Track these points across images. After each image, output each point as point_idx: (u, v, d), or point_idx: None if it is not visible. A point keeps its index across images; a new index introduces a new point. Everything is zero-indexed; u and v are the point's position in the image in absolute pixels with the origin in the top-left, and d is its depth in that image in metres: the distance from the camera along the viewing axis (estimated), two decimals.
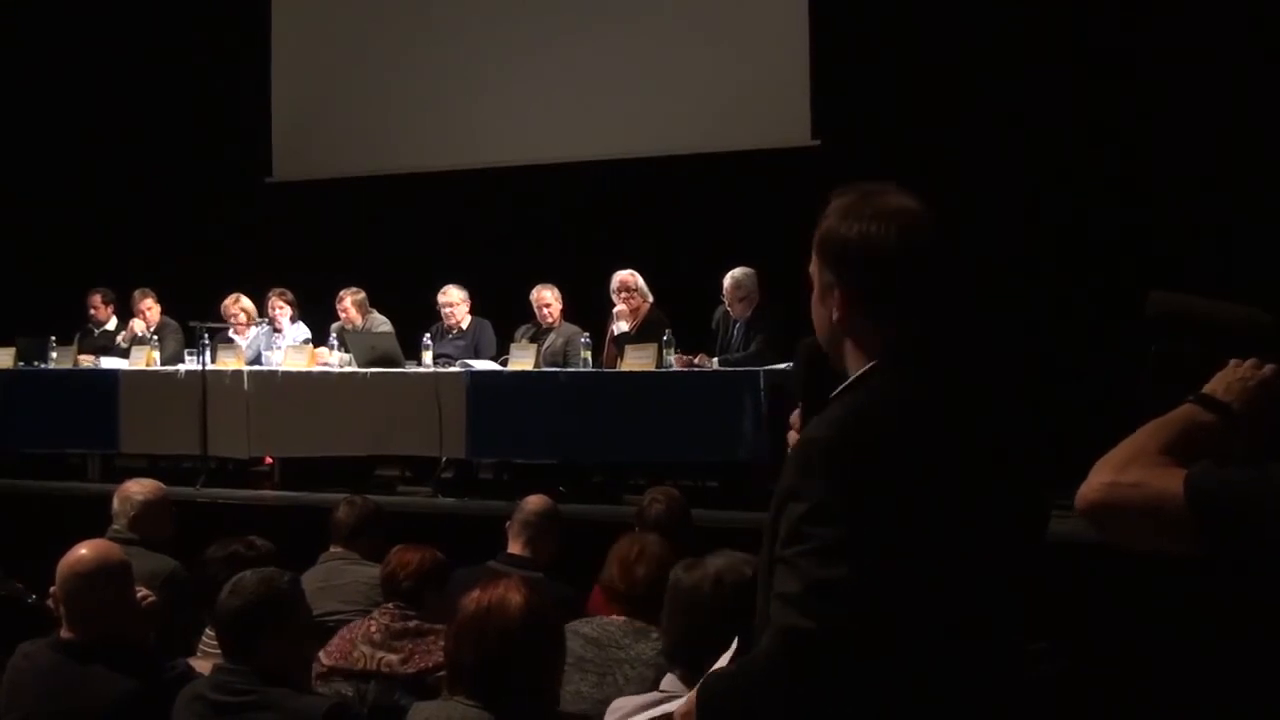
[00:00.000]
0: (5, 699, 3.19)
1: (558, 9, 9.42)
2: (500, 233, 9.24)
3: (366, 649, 3.50)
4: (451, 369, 7.42)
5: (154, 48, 10.32)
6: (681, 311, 7.53)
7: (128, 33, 10.34)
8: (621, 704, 2.53)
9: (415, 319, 8.11)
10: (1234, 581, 1.44)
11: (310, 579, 3.97)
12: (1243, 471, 1.45)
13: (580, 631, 3.28)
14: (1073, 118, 7.66)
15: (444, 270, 8.28)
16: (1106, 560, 4.37)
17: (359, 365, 7.56)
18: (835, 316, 1.81)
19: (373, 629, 3.54)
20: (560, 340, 7.62)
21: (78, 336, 8.96)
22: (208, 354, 7.75)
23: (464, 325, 8.01)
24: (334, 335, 8.08)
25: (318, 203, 9.96)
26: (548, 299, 7.78)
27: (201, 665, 3.28)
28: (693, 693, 1.87)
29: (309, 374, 7.70)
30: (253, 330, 8.54)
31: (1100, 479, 1.53)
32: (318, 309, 8.55)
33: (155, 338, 8.58)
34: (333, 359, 7.86)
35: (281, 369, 7.77)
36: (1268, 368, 1.57)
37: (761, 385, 6.44)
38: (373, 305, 8.29)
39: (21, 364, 8.43)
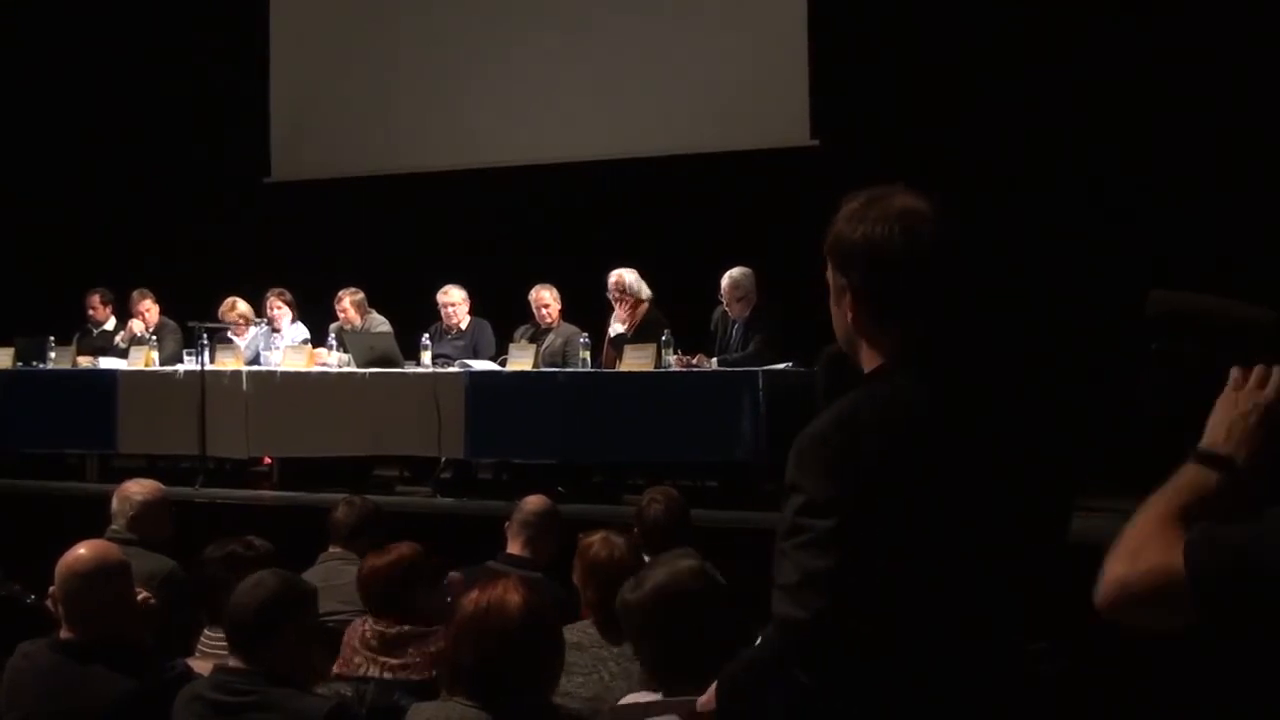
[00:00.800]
0: (5, 699, 3.19)
1: (557, 9, 9.42)
2: (499, 233, 9.23)
3: (365, 653, 3.50)
4: (450, 369, 7.42)
5: (153, 48, 10.32)
6: (680, 311, 7.52)
7: (127, 33, 10.35)
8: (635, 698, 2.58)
9: (414, 319, 8.10)
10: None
11: (309, 579, 3.94)
12: (1239, 529, 1.38)
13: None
14: (1073, 118, 7.66)
15: (443, 270, 8.27)
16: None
17: (358, 365, 7.55)
18: (849, 319, 1.84)
19: (368, 635, 3.53)
20: (559, 340, 7.62)
21: (76, 337, 8.95)
22: (206, 354, 7.74)
23: (463, 325, 8.01)
24: (333, 335, 8.08)
25: (316, 203, 9.95)
26: (546, 299, 7.77)
27: (200, 665, 3.29)
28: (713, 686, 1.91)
29: (308, 374, 7.69)
30: (251, 330, 8.53)
31: (1114, 574, 1.44)
32: (316, 309, 8.54)
33: (154, 338, 8.57)
34: (331, 359, 7.86)
35: (280, 369, 7.76)
36: (1266, 393, 1.50)
37: (760, 385, 6.42)
38: (371, 305, 8.28)
39: (20, 364, 8.42)
